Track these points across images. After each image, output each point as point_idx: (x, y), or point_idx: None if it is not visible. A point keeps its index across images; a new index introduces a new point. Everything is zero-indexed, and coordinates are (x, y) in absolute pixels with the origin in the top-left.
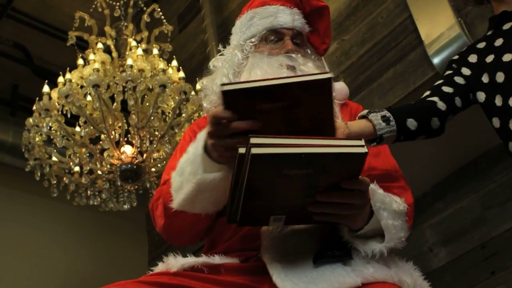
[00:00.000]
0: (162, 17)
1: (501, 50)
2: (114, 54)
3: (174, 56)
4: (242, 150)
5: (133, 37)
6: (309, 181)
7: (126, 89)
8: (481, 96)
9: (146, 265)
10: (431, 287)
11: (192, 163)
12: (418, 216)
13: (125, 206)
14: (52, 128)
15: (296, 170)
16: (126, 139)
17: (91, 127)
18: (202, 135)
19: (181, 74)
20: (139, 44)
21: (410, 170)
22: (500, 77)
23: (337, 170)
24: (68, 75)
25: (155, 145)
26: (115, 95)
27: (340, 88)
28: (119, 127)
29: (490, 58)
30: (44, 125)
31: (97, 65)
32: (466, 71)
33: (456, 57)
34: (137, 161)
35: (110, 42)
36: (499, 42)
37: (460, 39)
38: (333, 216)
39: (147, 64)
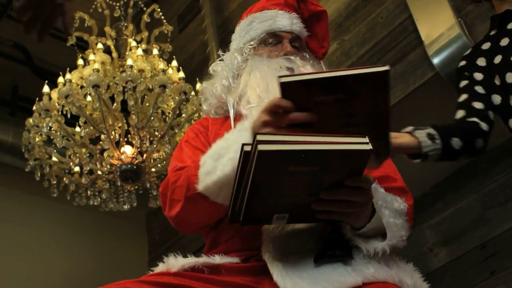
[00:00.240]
0: (162, 17)
1: (508, 50)
2: (114, 54)
3: (174, 57)
4: (247, 148)
5: (133, 37)
6: (313, 178)
7: (126, 89)
8: (497, 99)
9: (146, 265)
10: (431, 287)
11: (236, 151)
12: (418, 216)
13: (125, 207)
14: (52, 128)
15: (301, 167)
16: (126, 139)
17: (91, 127)
18: (246, 125)
19: (181, 74)
20: (139, 45)
21: (410, 170)
22: (510, 77)
23: (341, 167)
24: (68, 76)
25: (155, 145)
26: (115, 95)
27: None
28: (119, 127)
29: (498, 59)
30: (44, 125)
31: (97, 66)
32: (478, 76)
33: (463, 63)
34: (137, 161)
35: (110, 43)
36: (505, 42)
37: (460, 39)
38: (336, 214)
39: (147, 65)
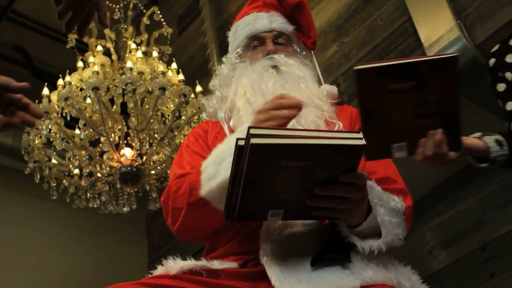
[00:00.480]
0: (162, 19)
1: None
2: (114, 56)
3: (173, 59)
4: (241, 142)
5: (133, 39)
6: (307, 174)
7: (125, 92)
8: None
9: (146, 267)
10: None
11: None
12: (417, 219)
13: (125, 209)
14: (52, 131)
15: (294, 161)
16: (125, 141)
17: (91, 130)
18: (245, 126)
19: (181, 76)
20: (138, 47)
21: (410, 173)
22: None
23: (335, 162)
24: (67, 78)
25: (154, 148)
26: (115, 98)
27: (329, 89)
28: (119, 129)
29: None
30: (44, 127)
31: (96, 68)
32: (509, 75)
33: (493, 61)
34: (136, 163)
35: (109, 45)
36: None
37: (459, 41)
38: (331, 210)
39: (147, 67)
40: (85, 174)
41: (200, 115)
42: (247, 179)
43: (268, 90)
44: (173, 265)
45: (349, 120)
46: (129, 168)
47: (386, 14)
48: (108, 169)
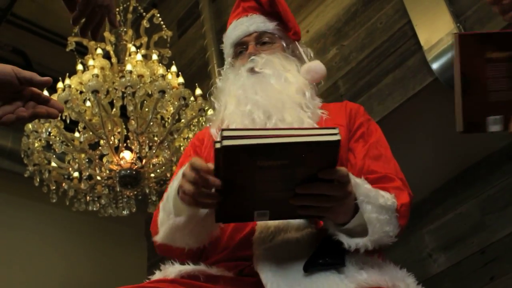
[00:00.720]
0: (162, 22)
1: None
2: (114, 59)
3: (173, 62)
4: (218, 145)
5: (133, 42)
6: (286, 173)
7: (125, 95)
8: None
9: (145, 271)
10: None
11: (168, 203)
12: (417, 222)
13: (124, 212)
14: (51, 134)
15: (271, 161)
16: (125, 144)
17: (90, 133)
18: (179, 174)
19: (181, 79)
20: (138, 50)
21: (409, 176)
22: None
23: (312, 160)
24: (67, 81)
25: (154, 151)
26: (114, 101)
27: (314, 66)
28: (118, 132)
29: None
30: (43, 130)
31: (96, 71)
32: None
33: None
34: (136, 166)
35: (109, 48)
36: None
37: None
38: (315, 209)
39: (147, 70)
40: (85, 177)
41: (200, 118)
42: (225, 182)
43: (242, 96)
44: (171, 270)
45: (348, 117)
46: (128, 171)
47: (385, 17)
48: (107, 172)
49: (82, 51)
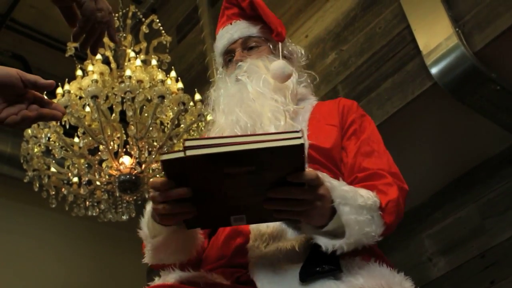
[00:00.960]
0: (161, 27)
1: None
2: (113, 65)
3: (172, 67)
4: (181, 154)
5: (132, 48)
6: (254, 178)
7: (124, 100)
8: None
9: (145, 276)
10: None
11: (145, 225)
12: (417, 226)
13: (124, 217)
14: (51, 139)
15: (236, 168)
16: (124, 149)
17: (90, 138)
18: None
19: (180, 84)
20: (137, 55)
21: (409, 180)
22: None
23: (279, 164)
24: (66, 86)
25: (153, 156)
26: (114, 106)
27: (275, 70)
28: (118, 138)
29: None
30: (43, 136)
31: (95, 76)
32: None
33: None
34: (135, 172)
35: (108, 53)
36: None
37: (457, 49)
38: (289, 213)
39: (146, 75)
40: (84, 183)
41: (199, 123)
42: (195, 191)
43: (227, 107)
44: (171, 275)
45: (341, 115)
46: (128, 176)
47: (384, 22)
48: (107, 177)
49: (82, 57)
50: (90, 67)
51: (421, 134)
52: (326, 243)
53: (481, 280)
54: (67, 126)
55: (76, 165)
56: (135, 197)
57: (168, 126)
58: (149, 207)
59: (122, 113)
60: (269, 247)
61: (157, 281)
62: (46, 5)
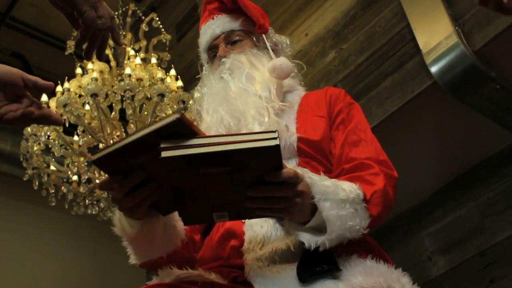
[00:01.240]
0: (161, 26)
1: None
2: (113, 63)
3: (172, 65)
4: (112, 149)
5: (132, 46)
6: (233, 177)
7: (124, 98)
8: None
9: (145, 275)
10: None
11: (119, 229)
12: (416, 225)
13: None
14: (50, 137)
15: (213, 168)
16: None
17: (89, 136)
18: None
19: (180, 83)
20: (137, 53)
21: (409, 179)
22: None
23: (256, 164)
24: (66, 84)
25: None
26: (113, 104)
27: (280, 65)
28: (118, 136)
29: None
30: (42, 134)
31: (95, 74)
32: None
33: None
34: None
35: (108, 51)
36: None
37: (457, 48)
38: (270, 210)
39: (146, 73)
40: (84, 181)
41: (199, 122)
42: (175, 191)
43: (211, 105)
44: (168, 274)
45: (328, 105)
46: None
47: (384, 21)
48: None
49: (81, 55)
50: (89, 65)
51: (420, 133)
52: (309, 240)
53: (480, 279)
54: (67, 124)
55: (75, 163)
56: None
57: None
58: (117, 213)
59: (122, 112)
60: (264, 249)
61: (155, 280)
62: (46, 3)
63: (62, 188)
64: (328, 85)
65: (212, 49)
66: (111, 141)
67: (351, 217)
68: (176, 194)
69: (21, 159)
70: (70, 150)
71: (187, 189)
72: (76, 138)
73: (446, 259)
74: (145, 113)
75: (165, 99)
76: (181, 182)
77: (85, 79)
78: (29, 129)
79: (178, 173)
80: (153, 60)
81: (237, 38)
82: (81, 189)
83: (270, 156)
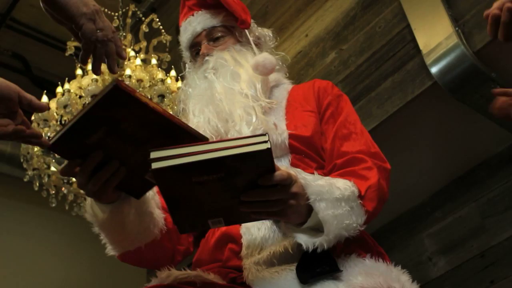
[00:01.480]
0: (161, 27)
1: None
2: None
3: (172, 66)
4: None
5: (132, 47)
6: (226, 183)
7: None
8: None
9: (145, 275)
10: None
11: (91, 215)
12: (417, 225)
13: None
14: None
15: (205, 176)
16: None
17: None
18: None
19: (180, 84)
20: (137, 54)
21: (409, 180)
22: None
23: (248, 169)
24: (66, 85)
25: None
26: None
27: (262, 61)
28: None
29: None
30: (43, 135)
31: (95, 76)
32: None
33: None
34: None
35: None
36: None
37: (457, 48)
38: (265, 213)
39: (146, 74)
40: None
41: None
42: (168, 200)
43: (197, 106)
44: (167, 275)
45: (317, 98)
46: None
47: (384, 21)
48: None
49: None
50: (90, 66)
51: (420, 134)
52: (306, 241)
53: (481, 280)
54: None
55: None
56: None
57: None
58: (87, 202)
59: None
60: (262, 253)
61: (154, 281)
62: None
63: (63, 189)
64: None
65: (194, 46)
66: None
67: (347, 215)
68: (169, 203)
69: (22, 160)
70: None
71: (179, 198)
72: None
73: (446, 259)
74: None
75: (165, 100)
76: (173, 191)
77: (86, 80)
78: None
79: (168, 183)
80: (153, 61)
81: (219, 34)
82: (81, 190)
83: (262, 159)
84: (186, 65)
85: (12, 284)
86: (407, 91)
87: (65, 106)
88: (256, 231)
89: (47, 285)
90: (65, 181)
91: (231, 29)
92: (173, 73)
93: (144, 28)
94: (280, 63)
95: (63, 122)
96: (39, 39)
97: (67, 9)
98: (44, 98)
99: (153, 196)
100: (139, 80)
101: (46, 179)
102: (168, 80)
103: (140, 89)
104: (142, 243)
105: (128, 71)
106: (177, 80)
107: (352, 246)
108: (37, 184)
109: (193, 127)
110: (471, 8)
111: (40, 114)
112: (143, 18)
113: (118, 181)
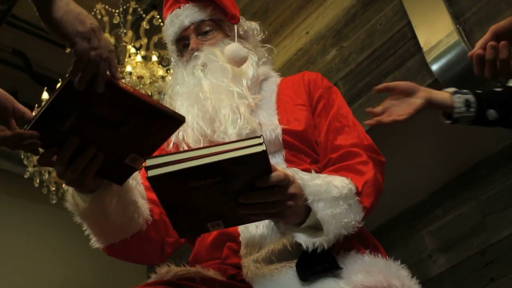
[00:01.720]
0: (161, 24)
1: None
2: None
3: None
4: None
5: (132, 44)
6: (223, 187)
7: None
8: None
9: (145, 272)
10: None
11: (70, 198)
12: (417, 223)
13: None
14: None
15: (202, 181)
16: None
17: None
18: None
19: None
20: (138, 51)
21: (409, 177)
22: None
23: (245, 172)
24: None
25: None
26: None
27: (231, 54)
28: None
29: None
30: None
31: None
32: None
33: None
34: None
35: None
36: None
37: (458, 46)
38: (263, 215)
39: (146, 71)
40: None
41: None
42: (166, 205)
43: (184, 105)
44: (166, 272)
45: (308, 91)
46: None
47: (385, 19)
48: None
49: None
50: None
51: (421, 131)
52: (306, 241)
53: (481, 277)
54: None
55: None
56: None
57: None
58: (68, 194)
59: None
60: (261, 250)
61: (154, 277)
62: None
63: (63, 185)
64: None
65: (182, 40)
66: None
67: (345, 213)
68: (167, 209)
69: (22, 157)
70: None
71: (177, 203)
72: None
73: (446, 257)
74: None
75: (165, 97)
76: (170, 197)
77: None
78: None
79: (165, 190)
80: (154, 58)
81: (208, 28)
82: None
83: (258, 161)
84: (172, 59)
85: (12, 281)
86: None
87: None
88: (254, 229)
89: (47, 281)
90: None
91: (220, 23)
92: None
93: (144, 25)
94: (267, 55)
95: None
96: (39, 35)
97: (62, 28)
98: (45, 95)
99: (136, 185)
100: (140, 77)
101: (46, 175)
102: (169, 77)
103: (141, 86)
104: (128, 235)
105: (128, 68)
106: None
107: (351, 242)
108: (38, 180)
109: (180, 128)
110: (472, 6)
111: None
112: (144, 15)
113: (96, 167)
